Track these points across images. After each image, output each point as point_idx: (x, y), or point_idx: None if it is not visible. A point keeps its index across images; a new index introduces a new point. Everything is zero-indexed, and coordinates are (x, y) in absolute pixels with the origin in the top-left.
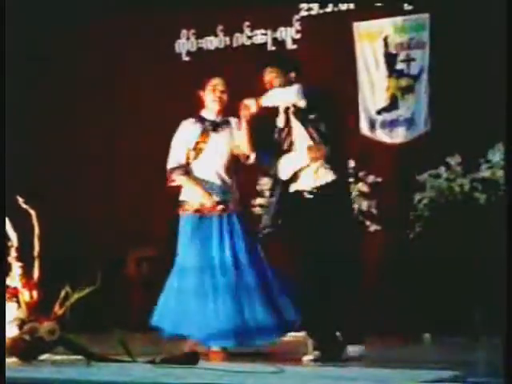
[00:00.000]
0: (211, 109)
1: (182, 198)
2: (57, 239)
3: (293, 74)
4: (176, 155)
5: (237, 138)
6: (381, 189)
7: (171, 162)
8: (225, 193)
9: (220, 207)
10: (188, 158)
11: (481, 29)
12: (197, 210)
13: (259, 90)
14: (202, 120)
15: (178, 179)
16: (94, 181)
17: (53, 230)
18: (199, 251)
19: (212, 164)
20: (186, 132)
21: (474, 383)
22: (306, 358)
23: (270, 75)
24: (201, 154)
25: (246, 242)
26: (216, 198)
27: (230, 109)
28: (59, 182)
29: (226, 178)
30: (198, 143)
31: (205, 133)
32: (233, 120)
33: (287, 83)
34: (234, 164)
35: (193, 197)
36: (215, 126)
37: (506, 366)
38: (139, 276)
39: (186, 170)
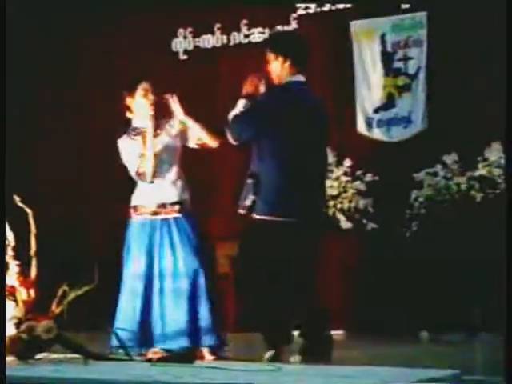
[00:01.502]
0: (143, 115)
1: (136, 201)
2: (54, 237)
3: (288, 63)
4: (136, 161)
5: (191, 135)
6: (378, 187)
7: (134, 168)
8: (179, 195)
9: (175, 209)
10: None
11: (478, 27)
12: (154, 213)
13: (255, 89)
14: (135, 131)
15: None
16: (92, 179)
17: (50, 229)
18: (147, 255)
19: (163, 168)
20: (129, 145)
21: (472, 382)
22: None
23: (268, 58)
24: (147, 161)
25: (197, 243)
26: (171, 200)
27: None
28: (57, 180)
29: (178, 180)
30: (142, 155)
31: (145, 143)
32: (170, 121)
33: (282, 72)
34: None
35: (148, 198)
36: (154, 133)
37: (507, 365)
38: None
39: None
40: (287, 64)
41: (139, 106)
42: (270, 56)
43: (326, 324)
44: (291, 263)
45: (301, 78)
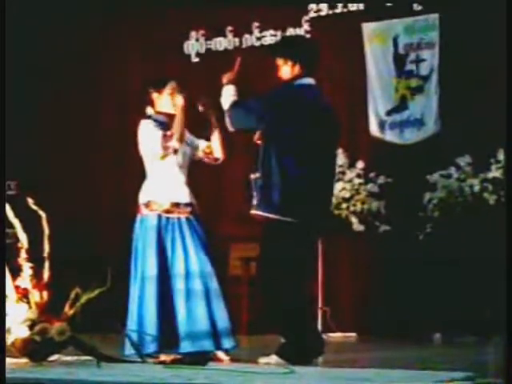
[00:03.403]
0: (165, 111)
1: (148, 198)
2: (67, 240)
3: (297, 67)
4: (158, 142)
5: (201, 143)
6: (390, 189)
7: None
8: (192, 196)
9: (188, 209)
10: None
11: (490, 29)
12: (167, 211)
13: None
14: (159, 122)
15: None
16: (105, 182)
17: (63, 231)
18: (161, 256)
19: (176, 166)
20: (153, 126)
21: (485, 383)
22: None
23: (278, 63)
24: (165, 159)
25: (207, 246)
26: (184, 200)
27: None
28: (70, 184)
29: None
30: (164, 147)
31: (165, 136)
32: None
33: (292, 76)
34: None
35: (163, 196)
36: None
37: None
38: None
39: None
40: (296, 68)
41: (164, 103)
42: (280, 61)
43: (309, 327)
44: (297, 263)
45: (310, 80)
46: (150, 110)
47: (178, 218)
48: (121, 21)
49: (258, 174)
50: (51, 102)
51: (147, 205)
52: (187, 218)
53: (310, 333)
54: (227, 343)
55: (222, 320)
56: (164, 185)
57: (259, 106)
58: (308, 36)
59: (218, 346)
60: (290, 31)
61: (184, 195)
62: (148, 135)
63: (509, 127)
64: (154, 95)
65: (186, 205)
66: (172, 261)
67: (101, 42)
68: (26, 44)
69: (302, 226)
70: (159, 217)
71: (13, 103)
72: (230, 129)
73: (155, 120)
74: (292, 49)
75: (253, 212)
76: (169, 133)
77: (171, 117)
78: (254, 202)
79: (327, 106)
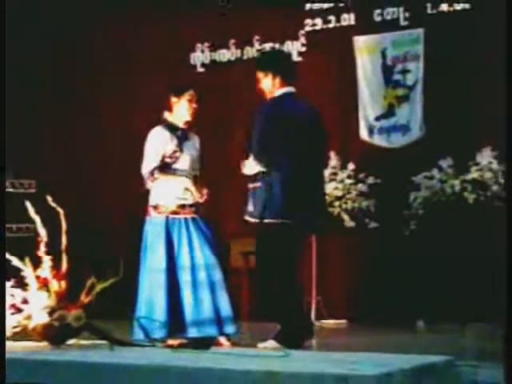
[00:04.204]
0: (181, 117)
1: (156, 201)
2: (83, 234)
3: (277, 79)
4: (153, 159)
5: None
6: (379, 189)
7: (149, 166)
8: (196, 197)
9: (192, 210)
10: (164, 161)
11: (470, 43)
12: (174, 212)
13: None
14: (171, 127)
15: (159, 177)
16: (116, 185)
17: (79, 226)
18: (169, 251)
19: (183, 169)
20: (162, 138)
21: (465, 366)
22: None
23: (258, 77)
24: (176, 163)
25: (211, 242)
26: (189, 202)
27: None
28: (86, 183)
29: (195, 184)
30: (174, 152)
31: (178, 141)
32: (196, 137)
33: (274, 87)
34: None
35: (169, 199)
36: (185, 136)
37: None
38: None
39: (163, 169)
40: (277, 79)
41: (181, 109)
42: (260, 74)
43: (302, 314)
44: (290, 259)
45: (291, 89)
46: (167, 115)
47: (185, 218)
48: (135, 34)
49: (256, 184)
50: (70, 106)
51: (155, 207)
52: (192, 218)
53: (302, 319)
54: (230, 329)
55: (225, 308)
56: (170, 188)
57: (258, 138)
58: (303, 49)
59: (221, 332)
60: (288, 44)
61: (189, 197)
62: (153, 145)
63: (509, 127)
64: (173, 100)
65: (191, 206)
66: (178, 254)
67: (120, 53)
68: (50, 57)
69: (294, 226)
70: (166, 218)
71: (34, 107)
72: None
73: (168, 129)
74: (270, 62)
75: (247, 218)
76: (174, 151)
77: (184, 126)
78: (250, 209)
79: (309, 111)
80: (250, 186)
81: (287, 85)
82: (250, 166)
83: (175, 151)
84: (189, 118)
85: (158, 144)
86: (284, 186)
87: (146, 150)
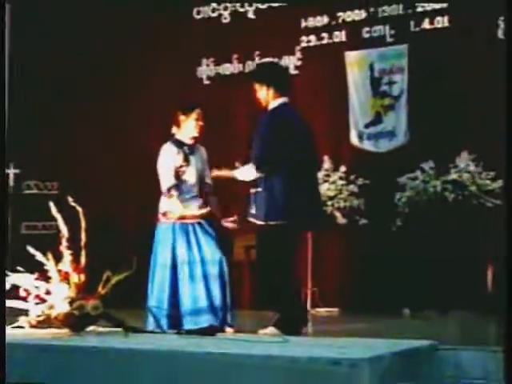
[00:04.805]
0: (188, 133)
1: (164, 208)
2: (101, 233)
3: (272, 90)
4: (167, 177)
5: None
6: (368, 189)
7: (167, 183)
8: (201, 206)
9: (199, 215)
10: (178, 177)
11: (450, 56)
12: (181, 217)
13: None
14: (179, 143)
15: (175, 195)
16: (132, 190)
17: (97, 225)
18: (180, 251)
19: (192, 182)
20: (171, 154)
21: (446, 350)
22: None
23: (255, 90)
24: (184, 175)
25: (217, 240)
26: (195, 211)
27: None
28: (104, 186)
29: (202, 193)
30: (181, 166)
31: (185, 156)
32: (202, 149)
33: (270, 98)
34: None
35: (176, 208)
36: (192, 150)
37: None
38: None
39: (178, 187)
40: (271, 90)
41: (188, 127)
42: (256, 86)
43: (300, 304)
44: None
45: (285, 99)
46: (175, 130)
47: (192, 223)
48: (147, 49)
49: (258, 189)
50: (89, 116)
51: (164, 214)
52: (199, 223)
53: (299, 309)
54: (231, 318)
55: (227, 299)
56: (178, 196)
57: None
58: (299, 63)
59: (224, 322)
60: (285, 58)
61: (195, 204)
62: (165, 161)
63: (508, 130)
64: (181, 118)
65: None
66: (186, 251)
67: (133, 67)
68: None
69: (294, 226)
70: (174, 224)
71: (59, 119)
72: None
73: (175, 145)
74: (265, 74)
75: (251, 219)
76: (181, 166)
77: (191, 141)
78: (253, 211)
79: (301, 119)
80: (252, 190)
81: (281, 95)
82: (246, 172)
83: (182, 166)
84: (196, 135)
85: (168, 161)
86: (285, 189)
87: (158, 166)
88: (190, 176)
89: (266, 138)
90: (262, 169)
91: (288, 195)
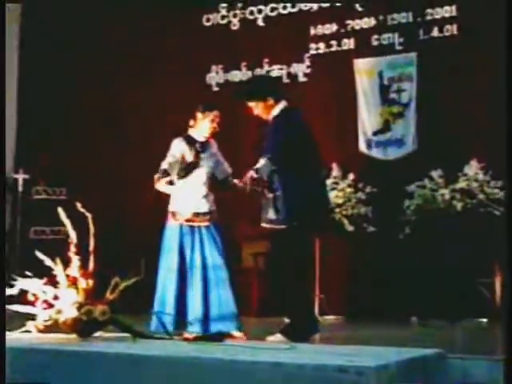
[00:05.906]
0: (202, 132)
1: (173, 208)
2: (109, 238)
3: (271, 101)
4: (167, 161)
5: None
6: (376, 197)
7: (161, 167)
8: (209, 206)
9: (207, 217)
10: (186, 173)
11: (458, 64)
12: (188, 220)
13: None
14: (191, 140)
15: (161, 185)
16: (139, 194)
17: (105, 230)
18: (184, 254)
19: (199, 180)
20: (180, 148)
21: (454, 359)
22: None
23: (252, 106)
24: (193, 171)
25: (221, 247)
26: (203, 210)
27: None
28: (112, 191)
29: (209, 192)
30: (192, 163)
31: (196, 153)
32: (212, 142)
33: (269, 109)
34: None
35: (184, 208)
36: (203, 148)
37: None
38: None
39: (170, 180)
40: (267, 102)
41: (203, 126)
42: (251, 105)
43: (310, 311)
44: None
45: (284, 103)
46: (192, 123)
47: (198, 226)
48: (157, 56)
49: (277, 194)
50: (99, 122)
51: (173, 214)
52: (206, 226)
53: (310, 316)
54: (237, 325)
55: (231, 305)
56: (186, 197)
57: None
58: (308, 71)
59: (233, 327)
60: (294, 66)
61: (203, 205)
62: (172, 153)
63: (509, 133)
64: (199, 115)
65: (205, 213)
66: (191, 256)
67: (143, 74)
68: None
69: (303, 230)
70: (181, 225)
71: (66, 119)
72: None
73: (186, 141)
74: (252, 92)
75: (266, 225)
76: (191, 163)
77: (203, 139)
78: (271, 216)
79: (301, 122)
80: (270, 195)
81: (278, 102)
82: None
83: (191, 163)
84: (207, 136)
85: (175, 153)
86: (303, 193)
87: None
88: (201, 173)
89: (275, 140)
90: (274, 161)
91: (305, 198)
